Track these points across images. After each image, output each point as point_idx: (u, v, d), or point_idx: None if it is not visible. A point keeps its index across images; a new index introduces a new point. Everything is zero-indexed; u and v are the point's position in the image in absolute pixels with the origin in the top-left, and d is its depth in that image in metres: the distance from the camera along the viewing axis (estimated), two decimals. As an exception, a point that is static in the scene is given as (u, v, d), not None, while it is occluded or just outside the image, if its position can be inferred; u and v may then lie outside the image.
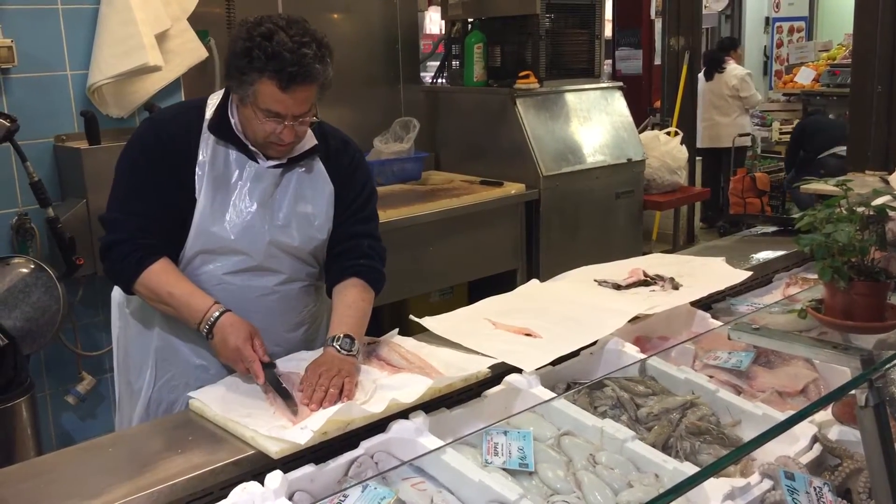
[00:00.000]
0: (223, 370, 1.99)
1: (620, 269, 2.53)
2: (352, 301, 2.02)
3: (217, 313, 1.89)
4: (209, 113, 2.00)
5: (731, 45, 8.14)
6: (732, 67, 7.77)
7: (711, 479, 1.45)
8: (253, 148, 1.99)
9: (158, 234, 1.96)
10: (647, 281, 2.42)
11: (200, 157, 1.97)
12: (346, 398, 1.74)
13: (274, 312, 2.07)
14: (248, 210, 1.98)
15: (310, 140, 2.05)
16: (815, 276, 2.30)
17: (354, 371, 1.84)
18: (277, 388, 1.78)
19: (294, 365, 1.90)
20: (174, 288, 1.93)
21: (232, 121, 1.98)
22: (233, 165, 1.99)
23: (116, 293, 2.22)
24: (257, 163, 2.00)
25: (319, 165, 2.08)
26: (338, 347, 1.87)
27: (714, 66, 7.76)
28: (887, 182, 3.94)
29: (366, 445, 1.60)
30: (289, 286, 2.08)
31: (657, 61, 8.12)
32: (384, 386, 1.81)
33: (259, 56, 1.81)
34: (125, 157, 2.02)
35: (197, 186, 1.96)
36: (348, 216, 2.11)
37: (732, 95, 7.73)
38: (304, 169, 2.06)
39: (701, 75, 7.81)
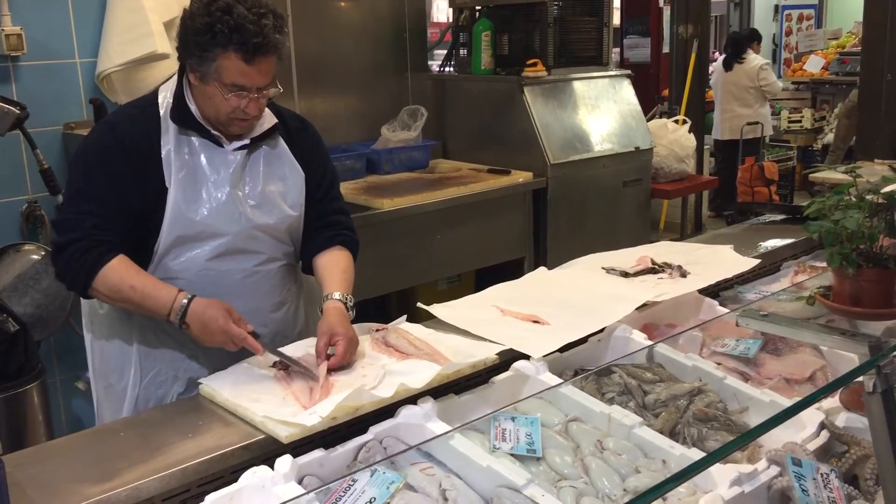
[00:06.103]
0: (213, 357, 1.99)
1: (628, 257, 2.53)
2: (344, 266, 2.10)
3: (185, 301, 1.86)
4: (164, 104, 1.99)
5: (752, 37, 7.89)
6: (753, 58, 7.59)
7: (718, 464, 1.46)
8: (215, 132, 1.99)
9: (115, 234, 1.91)
10: (654, 268, 2.42)
11: (164, 150, 1.95)
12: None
13: (257, 293, 2.08)
14: (221, 193, 1.99)
15: (269, 119, 2.06)
16: (823, 265, 2.31)
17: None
18: (281, 356, 1.84)
19: (303, 350, 1.91)
20: (135, 281, 1.89)
21: (191, 107, 1.98)
22: (198, 152, 1.98)
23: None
24: (222, 147, 2.00)
25: (282, 144, 2.10)
26: (345, 302, 1.98)
27: (734, 57, 7.59)
28: (896, 170, 3.93)
29: (375, 430, 1.61)
30: (269, 266, 2.09)
31: (665, 49, 8.07)
32: (393, 372, 1.81)
33: (222, 30, 1.81)
34: (80, 162, 1.99)
35: (166, 176, 1.94)
36: (320, 197, 2.15)
37: (754, 87, 7.57)
38: (268, 148, 2.07)
39: (719, 65, 7.71)
